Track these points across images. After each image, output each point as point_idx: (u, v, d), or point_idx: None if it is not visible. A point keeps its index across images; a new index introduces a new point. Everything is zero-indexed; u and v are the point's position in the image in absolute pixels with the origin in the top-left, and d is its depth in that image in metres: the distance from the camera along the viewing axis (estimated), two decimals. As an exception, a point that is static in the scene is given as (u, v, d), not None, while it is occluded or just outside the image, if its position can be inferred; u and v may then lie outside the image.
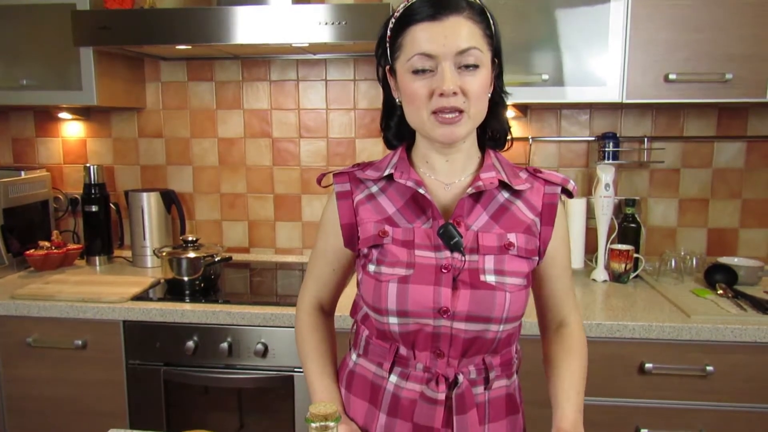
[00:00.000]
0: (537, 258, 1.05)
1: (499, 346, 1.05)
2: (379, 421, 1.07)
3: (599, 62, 1.86)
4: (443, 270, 0.99)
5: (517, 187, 1.03)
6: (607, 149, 2.18)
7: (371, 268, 1.03)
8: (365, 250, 1.05)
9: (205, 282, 2.01)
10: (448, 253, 0.99)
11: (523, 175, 1.07)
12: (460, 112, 0.96)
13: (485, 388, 1.06)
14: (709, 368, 1.67)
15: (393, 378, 1.06)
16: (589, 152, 2.28)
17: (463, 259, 1.00)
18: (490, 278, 0.99)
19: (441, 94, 0.94)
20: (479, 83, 0.96)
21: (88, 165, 2.30)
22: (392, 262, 1.01)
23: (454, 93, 0.94)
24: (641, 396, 1.71)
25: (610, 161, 2.17)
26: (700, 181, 2.25)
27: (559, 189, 1.07)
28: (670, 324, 1.66)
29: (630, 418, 1.73)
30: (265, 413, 1.86)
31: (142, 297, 1.92)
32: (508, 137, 1.10)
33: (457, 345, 1.01)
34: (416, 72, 0.96)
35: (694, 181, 2.25)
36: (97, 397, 1.88)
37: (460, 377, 1.02)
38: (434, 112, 0.96)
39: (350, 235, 1.08)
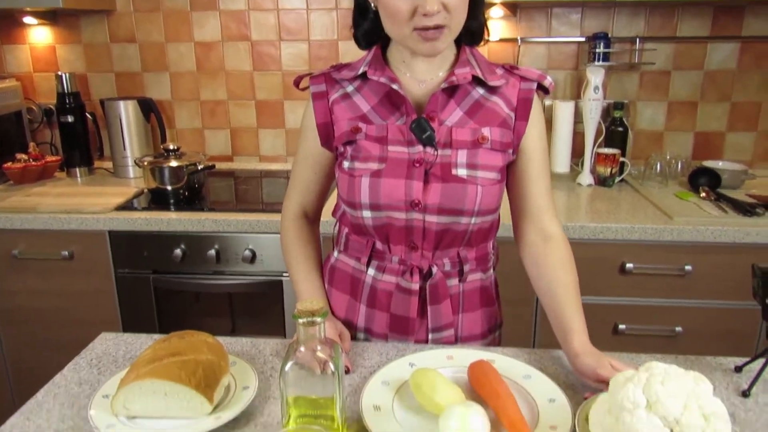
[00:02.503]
0: (512, 152, 1.06)
1: (472, 239, 1.07)
2: (360, 312, 1.13)
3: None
4: (415, 164, 1.01)
5: (492, 83, 1.03)
6: (597, 50, 2.14)
7: (345, 164, 1.05)
8: (341, 148, 1.06)
9: (189, 191, 2.00)
10: (420, 148, 1.01)
11: (499, 71, 1.06)
12: (443, 27, 0.95)
13: (459, 281, 1.10)
14: (688, 268, 1.73)
15: (371, 271, 1.11)
16: (580, 54, 2.23)
17: (436, 153, 1.01)
18: (462, 172, 1.01)
19: (424, 14, 0.92)
20: None
21: (60, 73, 2.22)
22: (365, 157, 1.03)
23: (438, 11, 0.93)
24: (621, 294, 1.78)
25: (601, 63, 2.13)
26: (691, 83, 2.23)
27: (535, 85, 1.06)
28: (652, 225, 1.70)
29: (609, 316, 1.80)
30: (255, 316, 1.91)
31: (126, 207, 1.92)
32: (485, 36, 1.07)
33: (430, 237, 1.04)
34: None
35: (684, 84, 2.23)
36: (89, 306, 1.92)
37: (434, 269, 1.07)
38: (416, 29, 0.94)
39: (326, 134, 1.09)
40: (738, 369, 1.00)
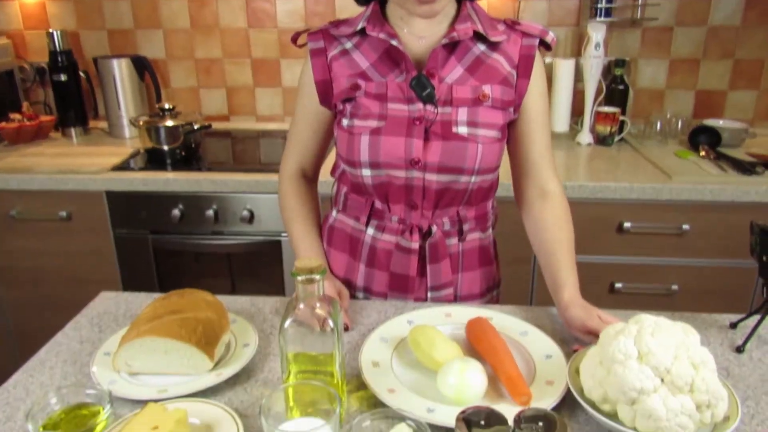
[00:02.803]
0: (513, 110, 1.04)
1: (472, 198, 1.07)
2: (360, 272, 1.14)
3: None
4: (415, 122, 1.00)
5: (493, 39, 1.01)
6: (599, 5, 2.09)
7: (345, 122, 1.04)
8: (340, 106, 1.05)
9: (186, 151, 1.99)
10: (420, 105, 1.00)
11: (501, 27, 1.04)
12: None
13: (459, 240, 1.10)
14: (686, 227, 1.73)
15: (370, 230, 1.11)
16: (581, 10, 2.19)
17: (436, 111, 1.00)
18: (462, 130, 1.00)
19: None
20: None
21: (51, 30, 2.17)
22: (365, 114, 1.01)
23: None
24: (618, 253, 1.79)
25: (602, 18, 2.09)
26: (693, 40, 2.19)
27: (537, 41, 1.04)
28: (651, 185, 1.70)
29: (606, 274, 1.82)
30: (255, 277, 1.92)
31: (122, 167, 1.91)
32: None
33: (430, 196, 1.04)
34: None
35: (686, 40, 2.20)
36: (88, 266, 1.93)
37: (434, 228, 1.07)
38: None
39: (325, 91, 1.07)
40: (733, 325, 1.01)
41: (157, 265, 1.92)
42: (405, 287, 1.10)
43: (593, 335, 0.90)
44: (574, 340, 0.96)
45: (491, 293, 1.19)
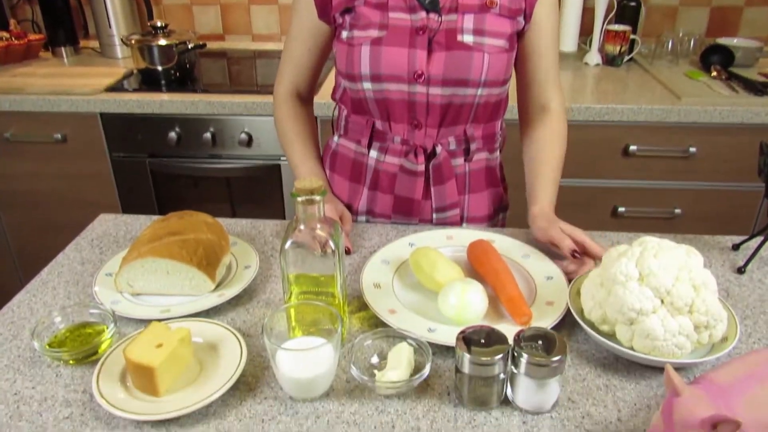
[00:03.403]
0: (522, 19, 1.00)
1: (479, 115, 1.04)
2: (363, 196, 1.12)
3: None
4: (418, 32, 0.96)
5: None
6: None
7: (344, 34, 1.01)
8: (339, 18, 1.01)
9: (181, 71, 1.93)
10: (423, 14, 0.96)
11: None
12: None
13: (465, 160, 1.09)
14: (692, 149, 1.71)
15: (373, 153, 1.09)
16: None
17: (440, 19, 0.96)
18: (468, 38, 0.96)
19: None
20: None
21: (33, -59, 2.07)
22: (365, 25, 0.98)
23: None
24: (622, 177, 1.78)
25: (617, -71, 1.99)
26: (712, -48, 2.09)
27: None
28: (659, 106, 1.66)
29: (609, 198, 1.81)
30: (254, 201, 1.92)
31: (116, 88, 1.86)
32: None
33: (434, 113, 1.02)
34: None
35: (704, -47, 2.09)
36: (86, 189, 1.92)
37: (439, 148, 1.05)
38: None
39: (323, 3, 1.02)
40: (735, 247, 1.02)
41: (156, 190, 1.91)
42: (410, 210, 1.10)
43: (555, 246, 0.94)
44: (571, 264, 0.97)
45: (498, 216, 1.19)
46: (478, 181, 1.12)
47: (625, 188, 1.79)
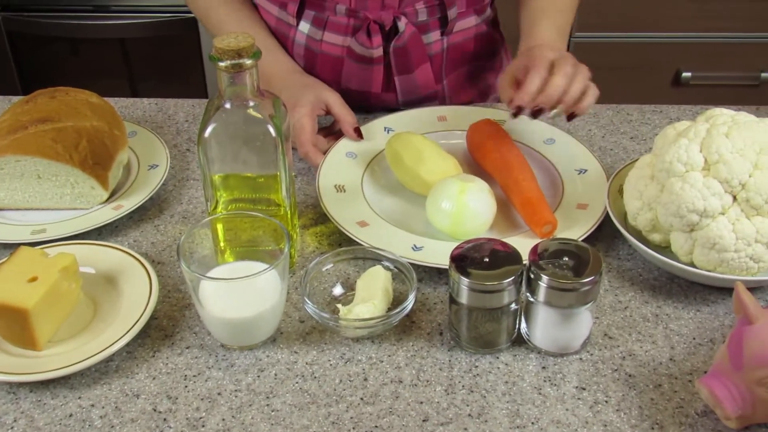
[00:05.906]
0: None
1: None
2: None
3: None
4: None
5: None
6: None
7: None
8: None
9: None
10: None
11: None
12: None
13: (443, 33, 1.05)
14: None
15: (304, 27, 1.04)
16: None
17: None
18: None
19: None
20: None
21: None
22: None
23: None
24: (687, 29, 1.77)
25: None
26: None
27: None
28: None
29: (671, 59, 1.82)
30: (163, 75, 1.91)
31: None
32: None
33: None
34: None
35: None
36: None
37: (402, 22, 1.01)
38: None
39: None
40: (840, 123, 1.03)
41: (16, 59, 1.87)
42: (366, 105, 1.07)
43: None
44: (622, 149, 0.97)
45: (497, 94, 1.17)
46: (463, 58, 1.09)
47: (692, 45, 1.80)
